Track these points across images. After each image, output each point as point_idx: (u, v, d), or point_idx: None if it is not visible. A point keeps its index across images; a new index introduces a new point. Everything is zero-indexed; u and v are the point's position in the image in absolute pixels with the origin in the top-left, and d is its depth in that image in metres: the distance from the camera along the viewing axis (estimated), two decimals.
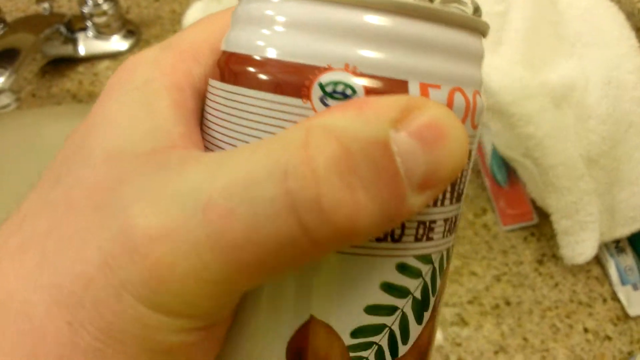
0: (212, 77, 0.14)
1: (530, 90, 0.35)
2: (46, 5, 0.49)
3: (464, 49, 0.14)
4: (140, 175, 0.12)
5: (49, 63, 0.48)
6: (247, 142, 0.13)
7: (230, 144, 0.13)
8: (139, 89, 0.14)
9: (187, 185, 0.11)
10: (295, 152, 0.11)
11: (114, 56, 0.50)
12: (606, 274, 0.38)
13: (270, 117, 0.12)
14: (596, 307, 0.37)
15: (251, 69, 0.13)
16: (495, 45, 0.38)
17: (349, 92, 0.12)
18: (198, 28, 0.16)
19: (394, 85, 0.12)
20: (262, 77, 0.12)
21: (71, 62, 0.49)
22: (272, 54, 0.12)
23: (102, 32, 0.50)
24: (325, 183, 0.10)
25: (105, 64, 0.50)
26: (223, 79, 0.13)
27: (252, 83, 0.13)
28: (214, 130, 0.14)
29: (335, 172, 0.10)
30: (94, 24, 0.49)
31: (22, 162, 0.54)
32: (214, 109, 0.14)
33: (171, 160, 0.12)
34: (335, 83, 0.12)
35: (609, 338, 0.36)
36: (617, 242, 0.38)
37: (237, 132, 0.13)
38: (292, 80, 0.12)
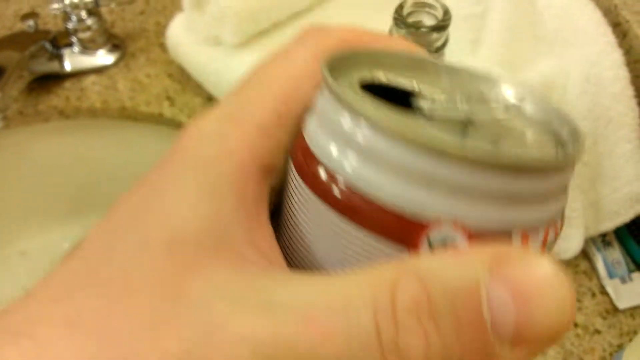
0: (298, 173, 0.14)
1: None
2: (31, 22, 0.49)
3: (561, 187, 0.14)
4: (212, 272, 0.12)
5: (35, 80, 0.48)
6: (336, 266, 0.14)
7: (318, 264, 0.14)
8: (201, 169, 0.13)
9: (291, 297, 0.11)
10: (385, 289, 0.11)
11: (100, 70, 0.51)
12: (594, 268, 0.39)
13: (366, 252, 0.13)
14: (585, 301, 0.37)
15: (351, 202, 0.13)
16: (474, 45, 0.39)
17: (452, 243, 0.12)
18: (257, 91, 0.15)
19: (498, 237, 0.12)
20: (364, 215, 0.13)
21: (57, 78, 0.50)
22: (377, 193, 0.12)
23: (87, 47, 0.50)
24: (402, 326, 0.11)
25: (91, 79, 0.50)
26: (313, 189, 0.13)
27: (349, 213, 0.13)
28: (300, 240, 0.14)
29: (413, 315, 0.11)
30: (79, 40, 0.50)
31: (11, 180, 0.54)
32: (301, 220, 0.14)
33: (246, 268, 0.12)
34: (443, 239, 0.12)
35: (598, 332, 0.36)
36: (603, 236, 0.39)
37: (327, 254, 0.14)
38: (399, 229, 0.12)
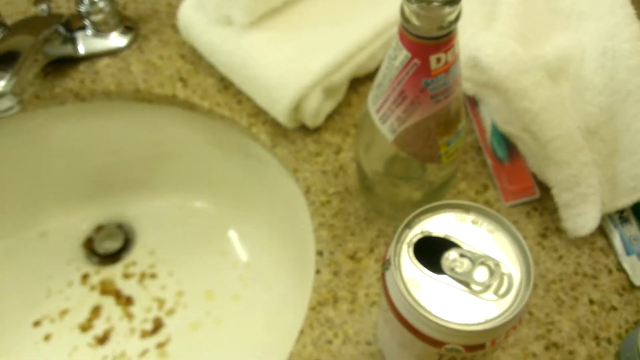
0: (386, 301, 0.26)
1: (524, 64, 0.35)
2: (44, 6, 0.50)
3: None
4: None
5: (50, 64, 0.49)
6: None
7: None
8: None
9: None
10: None
11: (114, 53, 0.51)
12: (610, 245, 0.38)
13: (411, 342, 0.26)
14: (601, 278, 0.37)
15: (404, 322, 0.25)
16: (489, 21, 0.38)
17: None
18: None
19: (477, 346, 0.25)
20: (411, 329, 0.25)
21: (72, 61, 0.50)
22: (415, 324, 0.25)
23: (100, 29, 0.51)
24: None
25: (105, 61, 0.50)
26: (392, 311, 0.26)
27: (405, 326, 0.25)
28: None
29: None
30: (92, 22, 0.50)
31: (29, 163, 0.55)
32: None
33: None
34: (451, 349, 0.25)
35: (614, 309, 0.36)
36: (620, 212, 0.38)
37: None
38: (429, 340, 0.25)
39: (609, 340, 0.35)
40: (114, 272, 0.57)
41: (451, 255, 0.25)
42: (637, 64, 0.35)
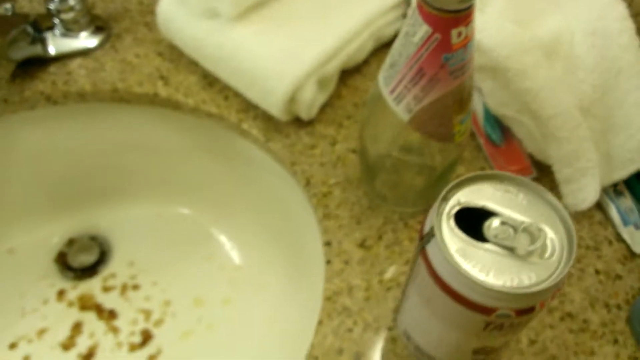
0: (427, 272, 0.26)
1: (524, 45, 0.36)
2: (8, 5, 0.47)
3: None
4: None
5: (18, 66, 0.46)
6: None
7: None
8: None
9: None
10: None
11: (86, 53, 0.48)
12: (608, 218, 0.40)
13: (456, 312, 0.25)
14: (603, 249, 0.38)
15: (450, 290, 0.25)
16: (482, 6, 0.39)
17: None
18: None
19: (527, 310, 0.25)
20: (456, 297, 0.25)
21: (41, 63, 0.47)
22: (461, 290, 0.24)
23: (70, 29, 0.48)
24: None
25: (77, 62, 0.48)
26: (433, 279, 0.25)
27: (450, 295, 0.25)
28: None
29: None
30: (62, 21, 0.47)
31: (1, 171, 0.51)
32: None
33: None
34: (501, 315, 0.24)
35: (619, 277, 0.37)
36: (614, 186, 0.40)
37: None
38: (476, 307, 0.24)
39: (618, 307, 0.36)
40: (92, 286, 0.54)
41: (493, 223, 0.25)
42: (627, 41, 0.37)
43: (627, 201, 0.39)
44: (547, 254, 0.24)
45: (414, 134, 0.32)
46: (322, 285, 0.37)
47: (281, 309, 0.50)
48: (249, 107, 0.45)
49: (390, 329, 0.35)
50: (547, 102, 0.36)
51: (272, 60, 0.41)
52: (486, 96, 0.41)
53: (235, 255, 0.55)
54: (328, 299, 0.36)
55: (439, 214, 0.25)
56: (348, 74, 0.47)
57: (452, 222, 0.25)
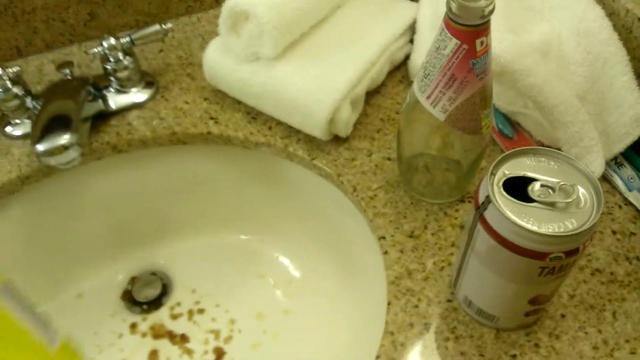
0: (483, 228, 0.32)
1: (523, 49, 0.43)
2: (67, 70, 0.52)
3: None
4: None
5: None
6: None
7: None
8: None
9: None
10: None
11: (140, 105, 0.54)
12: (614, 187, 0.45)
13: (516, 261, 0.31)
14: (615, 213, 0.44)
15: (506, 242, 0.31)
16: None
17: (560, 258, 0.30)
18: None
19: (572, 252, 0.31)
20: (513, 248, 0.30)
21: (102, 117, 0.53)
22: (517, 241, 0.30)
23: (124, 85, 0.54)
24: None
25: (135, 113, 0.53)
26: (492, 236, 0.31)
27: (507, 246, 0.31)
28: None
29: None
30: (117, 79, 0.53)
31: (65, 222, 0.56)
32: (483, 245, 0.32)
33: None
34: (555, 257, 0.30)
35: (633, 234, 0.43)
36: (615, 159, 0.46)
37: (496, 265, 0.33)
38: (533, 254, 0.30)
39: (637, 258, 0.41)
40: (160, 315, 0.58)
41: (535, 187, 0.30)
42: (607, 36, 0.43)
43: (628, 170, 0.45)
44: (582, 205, 0.30)
45: (447, 132, 0.38)
46: (382, 274, 0.42)
47: (337, 310, 0.54)
48: (291, 133, 0.51)
49: (450, 300, 0.39)
50: (550, 94, 0.42)
51: (311, 89, 0.47)
52: (495, 99, 0.47)
53: (288, 269, 0.59)
54: (392, 283, 0.41)
55: (491, 185, 0.31)
56: (370, 95, 0.53)
57: (502, 189, 0.30)
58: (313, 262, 0.58)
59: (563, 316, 0.39)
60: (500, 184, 0.31)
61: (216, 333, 0.56)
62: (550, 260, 0.30)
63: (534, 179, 0.31)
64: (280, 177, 0.55)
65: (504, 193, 0.30)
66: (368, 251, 0.48)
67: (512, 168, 0.32)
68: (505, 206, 0.30)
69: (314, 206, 0.55)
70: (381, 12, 0.54)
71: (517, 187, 0.31)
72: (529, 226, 0.29)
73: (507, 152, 0.32)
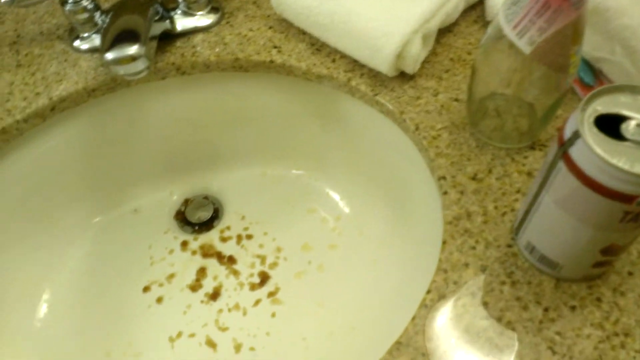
0: (566, 167, 0.28)
1: None
2: None
3: None
4: None
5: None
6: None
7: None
8: None
9: None
10: None
11: (205, 29, 0.52)
12: None
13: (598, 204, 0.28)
14: None
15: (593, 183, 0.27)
16: None
17: None
18: None
19: None
20: (600, 189, 0.27)
21: (167, 38, 0.51)
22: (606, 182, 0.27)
23: (191, 8, 0.52)
24: None
25: (200, 37, 0.51)
26: (575, 175, 0.28)
27: (593, 187, 0.27)
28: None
29: None
30: (185, 1, 0.51)
31: (125, 140, 0.55)
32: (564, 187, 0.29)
33: None
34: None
35: None
36: None
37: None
38: (620, 197, 0.27)
39: None
40: (210, 237, 0.57)
41: (630, 125, 0.27)
42: None
43: None
44: None
45: (530, 69, 0.34)
46: (438, 215, 0.40)
47: (385, 247, 0.52)
48: (355, 67, 0.48)
49: (509, 245, 0.37)
50: None
51: (381, 21, 0.43)
52: None
53: (338, 205, 0.58)
54: (449, 223, 0.38)
55: (582, 121, 0.27)
56: (441, 33, 0.49)
57: (593, 126, 0.27)
58: (364, 200, 0.56)
59: (630, 274, 0.35)
60: (592, 119, 0.27)
61: (262, 258, 0.55)
62: (637, 205, 0.26)
63: (629, 117, 0.27)
64: (340, 113, 0.52)
65: (595, 130, 0.27)
66: (424, 193, 0.45)
67: (606, 104, 0.28)
68: (596, 143, 0.26)
69: (370, 145, 0.52)
70: None
71: (610, 125, 0.27)
72: (620, 164, 0.25)
73: (602, 87, 0.28)
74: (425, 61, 0.47)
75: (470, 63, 0.47)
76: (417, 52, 0.44)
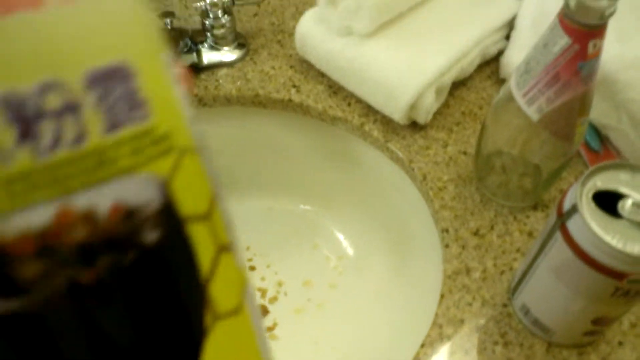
0: (562, 237, 0.29)
1: (629, 61, 0.38)
2: (167, 20, 0.53)
3: None
4: None
5: None
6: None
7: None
8: None
9: None
10: None
11: (230, 64, 0.54)
12: None
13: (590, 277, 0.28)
14: None
15: (586, 257, 0.28)
16: None
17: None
18: None
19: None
20: (592, 263, 0.28)
21: (194, 70, 0.53)
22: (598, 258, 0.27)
23: (218, 43, 0.53)
24: None
25: (224, 71, 0.53)
26: (571, 248, 0.28)
27: (585, 260, 0.28)
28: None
29: None
30: (213, 36, 0.53)
31: None
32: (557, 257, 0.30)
33: None
34: (634, 280, 0.27)
35: None
36: None
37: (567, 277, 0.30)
38: (611, 273, 0.27)
39: None
40: None
41: (627, 204, 0.27)
42: None
43: None
44: None
45: (536, 134, 0.35)
46: (438, 267, 0.40)
47: (384, 293, 0.52)
48: (369, 112, 0.49)
49: (505, 305, 0.37)
50: None
51: (399, 71, 0.45)
52: None
53: (341, 245, 0.58)
54: (448, 277, 0.39)
55: (580, 196, 0.28)
56: (455, 86, 0.50)
57: (591, 202, 0.28)
58: (367, 242, 0.56)
59: (621, 344, 0.35)
60: (590, 195, 0.28)
61: (263, 291, 0.56)
62: (628, 282, 0.27)
63: (626, 195, 0.28)
64: (351, 155, 0.53)
65: (593, 205, 0.27)
66: (426, 242, 0.45)
67: (606, 180, 0.28)
68: (592, 218, 0.27)
69: (378, 189, 0.53)
70: (482, 3, 0.51)
71: (608, 201, 0.28)
72: (613, 243, 0.26)
73: (603, 163, 0.29)
74: (438, 112, 0.49)
75: (481, 118, 0.48)
76: (430, 104, 0.45)
